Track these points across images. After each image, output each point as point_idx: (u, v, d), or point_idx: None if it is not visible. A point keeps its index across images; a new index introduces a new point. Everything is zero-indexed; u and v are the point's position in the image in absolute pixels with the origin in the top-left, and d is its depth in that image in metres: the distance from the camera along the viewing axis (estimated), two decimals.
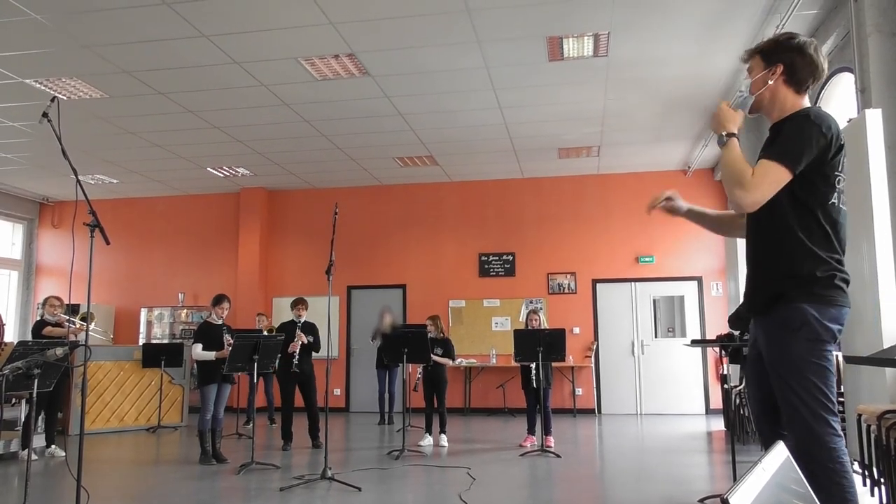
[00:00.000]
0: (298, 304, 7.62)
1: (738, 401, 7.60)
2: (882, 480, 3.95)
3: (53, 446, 7.18)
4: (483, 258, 11.41)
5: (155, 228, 12.50)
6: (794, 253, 2.44)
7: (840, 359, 5.03)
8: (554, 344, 7.01)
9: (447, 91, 7.54)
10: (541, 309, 10.58)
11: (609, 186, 11.21)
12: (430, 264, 11.56)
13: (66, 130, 4.84)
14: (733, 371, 8.27)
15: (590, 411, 10.75)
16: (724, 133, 2.51)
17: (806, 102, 2.56)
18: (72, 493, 3.82)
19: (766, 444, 2.63)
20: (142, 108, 7.90)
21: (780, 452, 1.29)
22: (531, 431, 7.42)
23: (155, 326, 12.05)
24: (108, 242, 3.93)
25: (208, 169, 10.69)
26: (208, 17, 5.77)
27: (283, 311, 10.29)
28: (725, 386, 7.31)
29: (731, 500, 0.95)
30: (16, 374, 4.04)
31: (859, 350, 4.55)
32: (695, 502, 4.71)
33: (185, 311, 12.04)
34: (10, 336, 11.79)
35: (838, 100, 6.39)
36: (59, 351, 4.10)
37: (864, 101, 4.99)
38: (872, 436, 4.08)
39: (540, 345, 6.97)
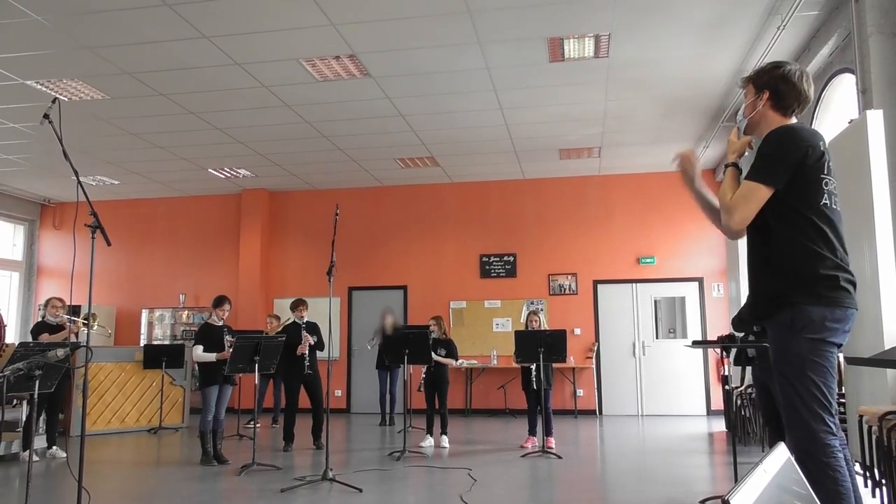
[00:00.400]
0: (299, 305, 7.62)
1: (739, 402, 7.60)
2: (883, 482, 3.95)
3: (54, 447, 7.18)
4: (484, 259, 11.41)
5: (156, 229, 12.51)
6: (794, 255, 2.49)
7: (841, 359, 5.02)
8: (555, 345, 7.01)
9: (448, 92, 7.54)
10: (541, 310, 10.58)
11: (610, 187, 11.20)
12: (430, 265, 11.56)
13: (67, 132, 4.85)
14: (734, 372, 8.26)
15: (591, 412, 10.75)
16: (725, 164, 2.76)
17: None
18: (73, 495, 3.81)
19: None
20: (143, 109, 7.91)
21: (781, 454, 1.29)
22: (532, 432, 7.42)
23: (156, 327, 12.06)
24: (109, 243, 3.93)
25: (209, 170, 10.70)
26: (209, 18, 5.77)
27: (283, 312, 10.28)
28: (726, 387, 7.31)
29: (732, 502, 0.95)
30: (17, 375, 4.04)
31: (860, 351, 4.55)
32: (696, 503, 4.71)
33: (186, 312, 12.05)
34: (12, 337, 11.80)
35: (839, 101, 6.38)
36: (61, 352, 4.10)
37: (866, 102, 4.98)
38: (874, 437, 4.08)
39: (541, 346, 6.97)
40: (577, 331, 10.88)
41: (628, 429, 9.19)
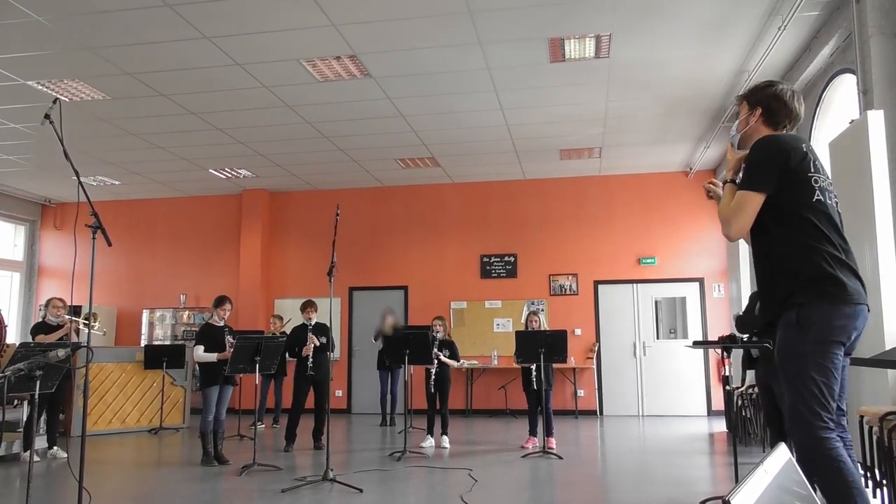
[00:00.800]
0: (308, 306, 7.60)
1: (739, 402, 7.60)
2: (884, 482, 3.95)
3: (55, 448, 7.18)
4: (485, 259, 11.41)
5: (157, 230, 12.51)
6: (796, 255, 2.54)
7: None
8: (555, 345, 7.01)
9: (449, 92, 7.54)
10: (541, 310, 10.57)
11: (611, 188, 11.20)
12: (431, 266, 11.56)
13: (67, 132, 4.86)
14: (735, 373, 8.26)
15: (591, 413, 10.74)
16: (723, 180, 2.86)
17: None
18: (74, 495, 3.82)
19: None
20: (143, 109, 7.91)
21: (782, 454, 1.29)
22: (533, 433, 7.42)
23: (157, 328, 12.06)
24: (109, 244, 3.93)
25: (210, 170, 10.70)
26: (210, 18, 5.77)
27: (284, 312, 10.28)
28: (727, 387, 7.30)
29: (732, 502, 0.95)
30: (18, 375, 4.04)
31: (861, 352, 4.53)
32: None
33: (186, 312, 12.05)
34: (13, 338, 11.80)
35: (840, 101, 6.38)
36: (61, 352, 4.11)
37: (867, 103, 4.99)
38: (874, 437, 4.08)
39: (541, 346, 6.96)
40: (578, 331, 10.88)
41: (629, 429, 9.18)
